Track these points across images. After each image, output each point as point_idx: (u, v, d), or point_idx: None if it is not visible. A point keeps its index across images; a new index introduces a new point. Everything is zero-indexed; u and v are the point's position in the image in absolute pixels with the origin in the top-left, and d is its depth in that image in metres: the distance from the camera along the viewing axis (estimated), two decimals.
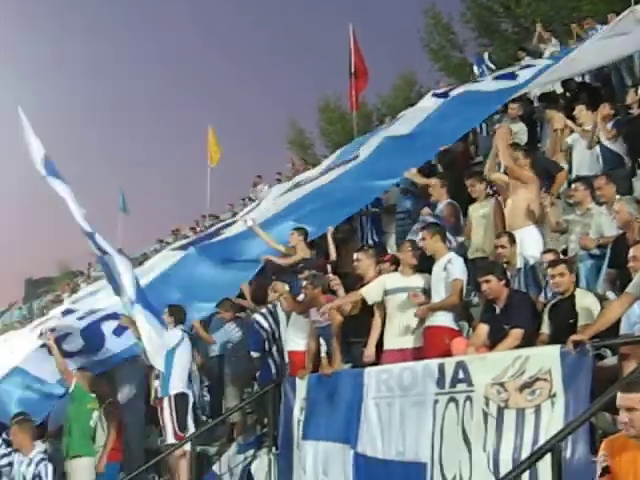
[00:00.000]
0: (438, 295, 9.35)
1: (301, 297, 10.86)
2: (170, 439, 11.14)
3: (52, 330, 12.30)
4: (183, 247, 14.95)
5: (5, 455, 11.19)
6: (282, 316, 11.31)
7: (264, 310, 11.69)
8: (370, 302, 9.82)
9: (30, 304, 52.56)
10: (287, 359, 11.02)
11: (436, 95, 14.96)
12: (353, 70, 20.81)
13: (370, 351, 9.64)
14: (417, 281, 9.72)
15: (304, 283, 10.61)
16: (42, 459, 10.23)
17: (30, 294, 61.77)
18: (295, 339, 10.82)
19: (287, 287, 11.16)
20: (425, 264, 9.77)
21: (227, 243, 13.87)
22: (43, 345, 12.24)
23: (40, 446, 10.67)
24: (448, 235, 10.40)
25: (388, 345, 9.65)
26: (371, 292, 9.85)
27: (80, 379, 11.55)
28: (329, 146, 35.57)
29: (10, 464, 10.94)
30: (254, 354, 11.69)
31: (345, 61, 21.13)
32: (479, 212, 11.29)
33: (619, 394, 5.28)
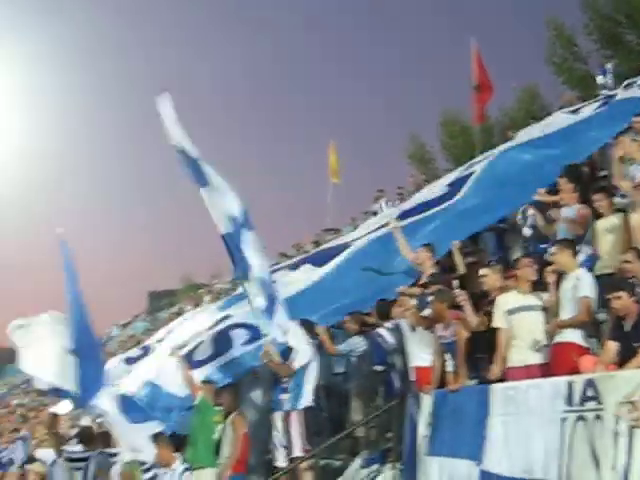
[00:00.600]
0: (566, 312, 9.24)
1: (427, 312, 10.88)
2: (297, 452, 11.29)
3: (180, 347, 12.66)
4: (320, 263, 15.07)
5: (146, 470, 11.56)
6: (407, 331, 11.29)
7: (389, 324, 11.76)
8: (496, 326, 9.82)
9: (153, 316, 53.85)
10: (412, 374, 11.03)
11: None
12: (476, 83, 20.76)
13: (497, 369, 9.59)
14: (535, 299, 9.69)
15: (430, 298, 10.64)
16: (186, 469, 10.69)
17: (153, 306, 63.29)
18: (420, 354, 10.83)
19: (414, 302, 11.18)
20: None
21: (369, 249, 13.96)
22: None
23: (180, 457, 11.08)
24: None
25: (513, 362, 9.57)
26: (495, 320, 9.83)
27: (205, 391, 11.77)
28: (450, 160, 35.37)
29: (153, 478, 11.36)
30: (378, 368, 11.76)
31: (467, 75, 21.13)
32: (606, 226, 11.04)
33: None
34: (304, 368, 11.34)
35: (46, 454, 13.60)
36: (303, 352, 11.44)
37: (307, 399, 11.36)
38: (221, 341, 12.81)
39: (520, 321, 9.61)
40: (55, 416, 13.76)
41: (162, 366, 12.80)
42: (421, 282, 11.96)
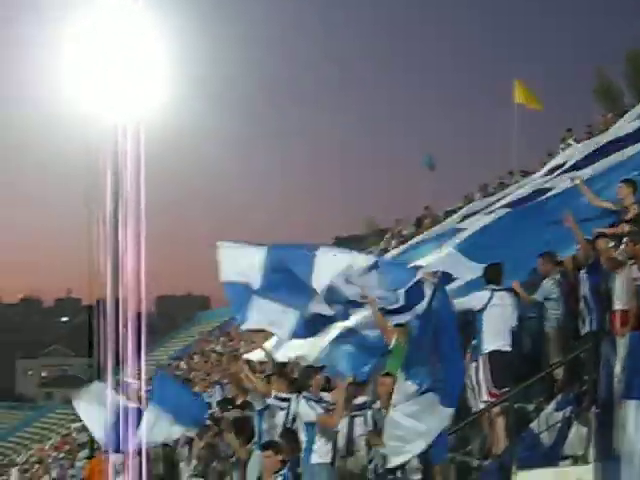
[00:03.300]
0: None
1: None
2: (484, 397, 11.33)
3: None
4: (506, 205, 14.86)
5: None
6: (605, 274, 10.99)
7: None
8: None
9: None
10: (607, 317, 10.80)
11: None
12: None
13: None
14: None
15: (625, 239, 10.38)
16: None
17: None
18: (616, 297, 10.60)
19: (611, 244, 10.89)
20: None
21: (552, 202, 13.63)
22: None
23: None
24: None
25: None
26: None
27: (400, 335, 11.88)
28: (636, 96, 34.00)
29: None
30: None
31: None
32: None
33: None
34: (480, 314, 11.36)
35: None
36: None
37: (490, 344, 11.36)
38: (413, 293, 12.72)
39: None
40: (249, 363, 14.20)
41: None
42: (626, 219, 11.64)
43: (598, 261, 11.10)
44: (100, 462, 17.35)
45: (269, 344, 14.67)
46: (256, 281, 11.91)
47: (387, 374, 11.10)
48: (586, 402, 10.78)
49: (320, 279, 11.59)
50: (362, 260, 11.86)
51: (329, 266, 11.54)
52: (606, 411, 10.24)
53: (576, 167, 14.77)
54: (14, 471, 40.05)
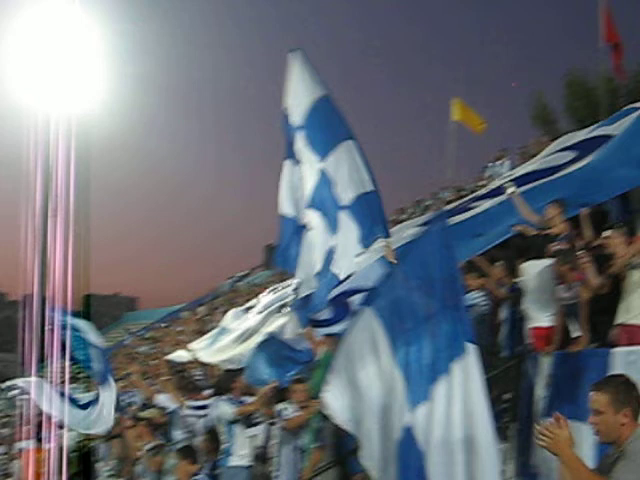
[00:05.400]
0: None
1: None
2: None
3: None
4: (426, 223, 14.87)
5: None
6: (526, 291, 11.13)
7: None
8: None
9: (271, 270, 54.47)
10: (530, 335, 10.91)
11: None
12: (607, 42, 20.37)
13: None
14: None
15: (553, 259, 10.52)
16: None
17: (270, 260, 64.01)
18: (539, 315, 10.77)
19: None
20: None
21: (479, 217, 13.67)
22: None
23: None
24: None
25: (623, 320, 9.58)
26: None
27: (330, 345, 11.80)
28: (574, 122, 34.54)
29: None
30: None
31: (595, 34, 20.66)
32: None
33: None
34: None
35: (166, 400, 13.86)
36: None
37: None
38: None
39: (631, 281, 9.57)
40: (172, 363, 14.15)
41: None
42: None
43: None
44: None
45: (194, 345, 14.63)
46: None
47: (299, 380, 11.13)
48: (507, 419, 10.89)
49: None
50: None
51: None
52: (526, 428, 10.37)
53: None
54: None
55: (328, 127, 9.65)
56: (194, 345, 14.97)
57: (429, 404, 6.80)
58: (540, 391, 10.28)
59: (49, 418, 13.88)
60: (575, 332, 10.21)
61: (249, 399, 12.20)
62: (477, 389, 6.67)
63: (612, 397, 5.01)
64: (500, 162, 24.65)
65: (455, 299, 7.07)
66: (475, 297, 12.08)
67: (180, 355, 15.63)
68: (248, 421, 11.64)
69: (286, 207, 10.26)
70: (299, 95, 9.97)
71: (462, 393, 6.70)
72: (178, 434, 12.81)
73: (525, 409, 10.47)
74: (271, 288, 19.78)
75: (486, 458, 6.47)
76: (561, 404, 9.85)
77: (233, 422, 11.55)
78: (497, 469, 6.56)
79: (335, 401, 7.57)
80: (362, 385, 7.38)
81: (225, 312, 21.11)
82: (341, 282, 10.97)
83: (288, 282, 16.77)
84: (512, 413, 10.75)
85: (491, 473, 6.51)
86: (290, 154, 10.19)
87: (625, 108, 15.57)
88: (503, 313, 11.70)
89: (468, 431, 6.52)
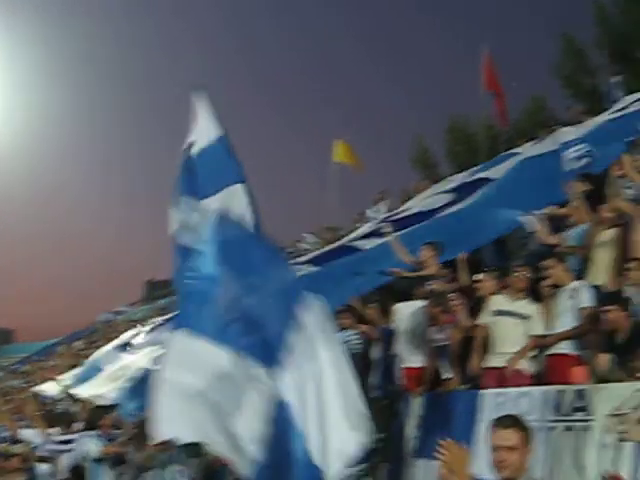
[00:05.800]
0: (562, 324, 9.27)
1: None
2: None
3: None
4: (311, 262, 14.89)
5: None
6: (398, 332, 11.25)
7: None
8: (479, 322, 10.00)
9: (151, 305, 53.77)
10: (402, 375, 11.01)
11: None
12: (488, 90, 20.94)
13: (475, 364, 9.82)
14: (525, 307, 9.71)
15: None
16: None
17: (149, 295, 63.20)
18: (411, 356, 10.86)
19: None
20: None
21: (359, 256, 13.77)
22: None
23: None
24: None
25: (491, 363, 9.76)
26: (480, 317, 10.01)
27: None
28: (454, 167, 35.28)
29: None
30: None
31: (473, 83, 21.29)
32: (602, 240, 10.78)
33: (495, 430, 5.05)
34: None
35: (32, 435, 13.44)
36: None
37: None
38: None
39: (498, 325, 9.78)
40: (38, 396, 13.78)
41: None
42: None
43: None
44: None
45: (66, 378, 14.27)
46: None
47: None
48: (378, 459, 10.89)
49: None
50: None
51: None
52: (397, 468, 10.39)
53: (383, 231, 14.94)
54: None
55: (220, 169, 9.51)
56: (65, 378, 14.55)
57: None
58: (411, 431, 10.34)
59: None
60: (446, 373, 10.33)
61: (119, 433, 11.97)
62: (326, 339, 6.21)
63: (525, 433, 5.07)
64: (379, 204, 24.85)
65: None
66: (348, 336, 12.11)
67: (50, 388, 15.19)
68: (114, 459, 11.37)
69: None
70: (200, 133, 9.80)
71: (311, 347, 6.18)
72: (43, 469, 12.39)
73: (396, 449, 10.50)
74: (149, 323, 19.54)
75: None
76: (432, 444, 9.91)
77: (99, 460, 11.28)
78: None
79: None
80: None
81: (101, 347, 20.67)
82: None
83: (166, 317, 16.60)
84: (383, 453, 10.75)
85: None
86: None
87: (505, 153, 16.01)
88: (376, 353, 11.72)
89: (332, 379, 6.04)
